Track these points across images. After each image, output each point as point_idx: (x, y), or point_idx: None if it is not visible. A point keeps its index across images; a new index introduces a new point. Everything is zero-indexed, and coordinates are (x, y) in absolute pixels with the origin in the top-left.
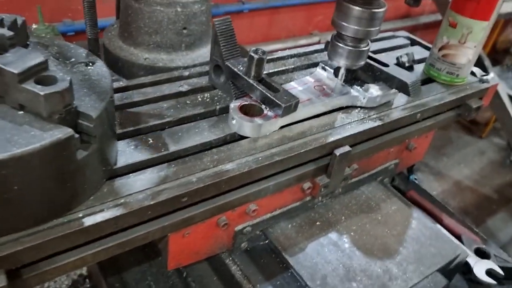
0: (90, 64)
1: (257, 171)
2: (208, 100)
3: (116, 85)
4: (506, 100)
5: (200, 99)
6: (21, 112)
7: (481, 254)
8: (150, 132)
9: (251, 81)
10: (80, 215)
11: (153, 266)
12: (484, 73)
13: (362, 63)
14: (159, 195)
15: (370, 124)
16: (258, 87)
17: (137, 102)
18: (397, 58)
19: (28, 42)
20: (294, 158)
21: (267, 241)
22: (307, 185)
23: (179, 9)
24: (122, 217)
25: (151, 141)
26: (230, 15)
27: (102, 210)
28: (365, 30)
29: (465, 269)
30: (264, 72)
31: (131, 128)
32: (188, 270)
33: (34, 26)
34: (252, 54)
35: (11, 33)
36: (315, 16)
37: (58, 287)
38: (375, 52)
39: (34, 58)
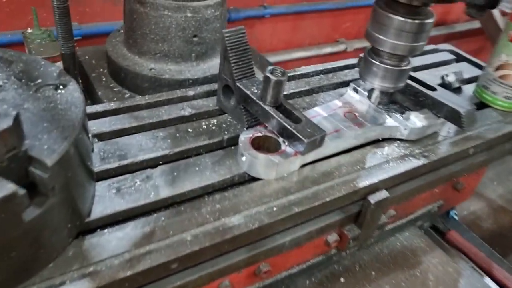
0: (61, 87)
1: (270, 226)
2: (214, 128)
3: (105, 107)
4: None
5: (204, 126)
6: None
7: None
8: (139, 170)
9: (266, 108)
10: None
11: None
12: None
13: (402, 85)
14: (140, 262)
15: (412, 163)
16: (275, 116)
17: (128, 129)
18: (442, 78)
19: None
20: (318, 208)
21: None
22: (332, 237)
23: (189, 14)
24: None
25: (138, 182)
26: (251, 20)
27: (62, 283)
28: (408, 45)
29: None
30: (284, 93)
31: (115, 165)
32: None
33: (29, 30)
34: (269, 75)
35: None
36: (342, 22)
37: None
38: (415, 69)
39: None
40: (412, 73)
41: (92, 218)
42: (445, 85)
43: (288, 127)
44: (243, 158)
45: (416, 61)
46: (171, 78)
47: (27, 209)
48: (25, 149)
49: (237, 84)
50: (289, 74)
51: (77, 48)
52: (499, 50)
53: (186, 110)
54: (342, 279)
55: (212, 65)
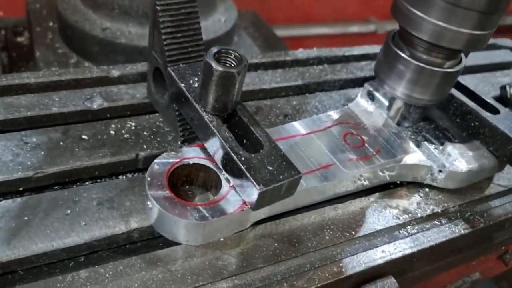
0: None
1: None
2: (128, 136)
3: None
4: None
5: (113, 132)
6: None
7: None
8: None
9: (206, 117)
10: None
11: None
12: None
13: (442, 98)
14: None
15: (447, 232)
16: (217, 133)
17: None
18: (503, 88)
19: None
20: None
21: None
22: None
23: None
24: None
25: None
26: None
27: None
28: (465, 32)
29: None
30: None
31: None
32: None
33: None
34: (211, 62)
35: None
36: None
37: None
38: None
39: None
40: (463, 81)
41: None
42: (506, 99)
43: (235, 158)
44: (149, 204)
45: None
46: (129, 43)
47: None
48: None
49: (169, 69)
50: (278, 59)
51: None
52: None
53: (95, 101)
54: None
55: None
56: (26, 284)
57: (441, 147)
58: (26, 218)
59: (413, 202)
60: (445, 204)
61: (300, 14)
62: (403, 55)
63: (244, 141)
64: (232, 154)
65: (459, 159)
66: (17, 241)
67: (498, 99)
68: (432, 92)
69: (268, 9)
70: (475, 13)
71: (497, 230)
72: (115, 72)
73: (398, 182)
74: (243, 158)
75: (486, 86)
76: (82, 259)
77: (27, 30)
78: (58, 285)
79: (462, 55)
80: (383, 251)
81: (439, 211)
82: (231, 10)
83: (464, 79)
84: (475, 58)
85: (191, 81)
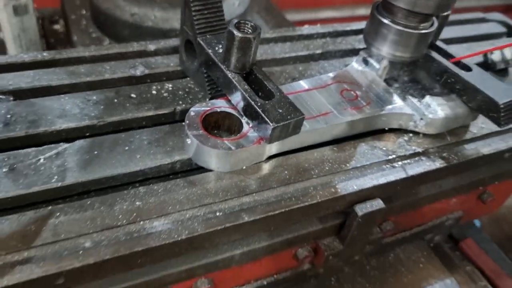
0: None
1: (205, 238)
2: (166, 94)
3: (34, 57)
4: None
5: (154, 92)
6: None
7: None
8: (50, 143)
9: (229, 75)
10: None
11: None
12: None
13: (419, 55)
14: (10, 273)
15: (425, 166)
16: (239, 86)
17: (54, 88)
18: (485, 56)
19: None
20: (280, 217)
21: None
22: (304, 251)
23: None
24: None
25: (42, 160)
26: None
27: None
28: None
29: None
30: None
31: (21, 133)
32: None
33: None
34: (233, 30)
35: None
36: None
37: None
38: (450, 41)
39: None
40: (442, 45)
41: None
42: (487, 64)
43: (253, 103)
44: (189, 141)
45: (454, 31)
46: (155, 26)
47: None
48: None
49: (199, 39)
50: (287, 34)
51: None
52: None
53: (138, 68)
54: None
55: None
56: (99, 197)
57: (423, 100)
58: (95, 152)
59: (399, 144)
60: (426, 146)
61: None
62: (385, 21)
63: (259, 93)
64: (251, 101)
65: (437, 108)
66: (91, 168)
67: (482, 64)
68: (411, 50)
69: None
70: None
71: (469, 168)
72: (152, 47)
73: (386, 128)
74: (259, 104)
75: (471, 53)
76: (138, 184)
77: (62, 18)
78: (123, 196)
79: (434, 18)
80: (371, 178)
81: (420, 151)
82: None
83: (451, 48)
84: (464, 30)
85: (216, 48)
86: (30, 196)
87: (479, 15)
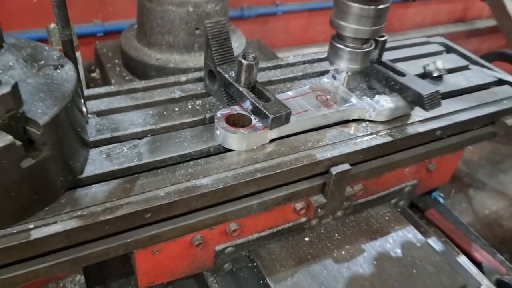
0: (59, 67)
1: (233, 188)
2: (198, 107)
3: (106, 89)
4: None
5: (190, 106)
6: None
7: (503, 285)
8: (127, 140)
9: (240, 89)
10: (30, 226)
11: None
12: None
13: (365, 66)
14: (119, 210)
15: (376, 140)
16: (247, 96)
17: (124, 108)
18: (424, 67)
19: (3, 44)
20: (280, 176)
21: (253, 264)
22: (300, 205)
23: (191, 9)
24: (75, 231)
25: (125, 150)
26: (264, 17)
27: (54, 223)
28: (367, 29)
29: None
30: (269, 80)
31: (108, 136)
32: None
33: (52, 25)
34: (241, 60)
35: None
36: None
37: None
38: (402, 59)
39: None
40: (387, 61)
41: (83, 176)
42: (426, 74)
43: (257, 104)
44: (218, 132)
45: (405, 52)
46: (175, 67)
47: (25, 159)
48: (22, 111)
49: (218, 68)
50: (277, 63)
51: (97, 42)
52: None
53: (176, 93)
54: (306, 239)
55: None
56: (164, 168)
57: (374, 98)
58: (158, 144)
59: (359, 129)
60: (378, 129)
61: (294, 39)
62: (340, 46)
63: (261, 99)
64: (256, 104)
65: (384, 103)
66: (156, 153)
67: (422, 75)
68: (359, 63)
69: (270, 37)
70: (371, 18)
71: (412, 143)
72: (183, 78)
73: (350, 119)
74: (261, 104)
75: (415, 67)
76: (187, 162)
77: (97, 68)
78: (180, 167)
79: (372, 40)
80: (340, 150)
81: (374, 132)
82: (241, 38)
83: (397, 64)
84: (412, 51)
85: (230, 73)
86: (122, 170)
87: (424, 39)
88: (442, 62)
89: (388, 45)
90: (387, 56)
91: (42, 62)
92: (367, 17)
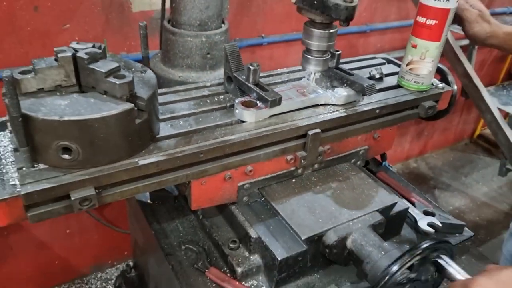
0: (144, 72)
1: (250, 141)
2: (222, 100)
3: (160, 91)
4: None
5: (216, 99)
6: (105, 96)
7: (428, 213)
8: (181, 117)
9: (249, 85)
10: (136, 159)
11: (181, 217)
12: (440, 83)
13: (326, 68)
14: (184, 151)
15: (336, 115)
16: (254, 89)
17: (173, 101)
18: (369, 72)
19: (108, 58)
20: (276, 135)
21: (263, 199)
22: (290, 157)
23: (204, 39)
24: (161, 162)
25: (181, 123)
26: (252, 47)
27: (149, 157)
28: (324, 44)
29: (414, 223)
30: (262, 80)
31: (169, 115)
32: (203, 213)
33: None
34: (249, 66)
35: (100, 51)
36: None
37: (109, 277)
38: (355, 68)
39: (112, 65)
40: (344, 67)
41: (160, 135)
42: (371, 77)
43: (260, 93)
44: (237, 111)
45: (358, 64)
46: (193, 81)
47: (137, 118)
48: (135, 92)
49: (234, 74)
50: (269, 73)
51: None
52: (407, 53)
53: (205, 92)
54: (294, 180)
55: (220, 73)
56: (207, 134)
57: (334, 90)
58: (200, 119)
59: (326, 108)
60: (337, 109)
61: (278, 65)
62: (308, 56)
63: (262, 91)
64: (260, 93)
65: (341, 92)
66: (199, 124)
67: (369, 77)
68: (320, 67)
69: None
70: (326, 38)
71: (360, 117)
72: (208, 84)
73: (319, 104)
74: (263, 93)
75: (363, 73)
76: (219, 128)
77: None
78: (214, 130)
79: (329, 52)
80: (313, 120)
81: (334, 110)
82: None
83: (355, 71)
84: (361, 63)
85: (243, 76)
86: (181, 133)
87: (372, 56)
88: (381, 68)
89: (347, 59)
90: (345, 66)
91: (133, 69)
92: (323, 37)
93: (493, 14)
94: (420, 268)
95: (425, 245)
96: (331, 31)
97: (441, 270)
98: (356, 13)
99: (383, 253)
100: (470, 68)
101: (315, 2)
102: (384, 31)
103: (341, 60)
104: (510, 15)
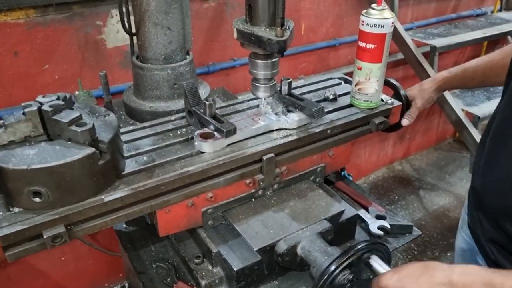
0: (107, 115)
1: (208, 170)
2: (184, 133)
3: (126, 129)
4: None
5: (179, 133)
6: (70, 142)
7: (380, 217)
8: (145, 153)
9: (207, 118)
10: (102, 196)
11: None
12: (390, 99)
13: (273, 93)
14: (147, 185)
15: (288, 139)
16: (211, 121)
17: (139, 138)
18: (324, 93)
19: (73, 107)
20: (234, 163)
21: (226, 221)
22: (248, 180)
23: (169, 71)
24: (125, 197)
25: (145, 158)
26: (225, 70)
27: (115, 193)
28: (268, 73)
29: (366, 226)
30: (223, 109)
31: (134, 152)
32: (174, 234)
33: (76, 92)
34: (205, 102)
35: (63, 103)
36: (299, 63)
37: None
38: (312, 91)
39: (74, 114)
40: (295, 93)
41: (125, 172)
42: (325, 98)
43: (217, 125)
44: (196, 143)
45: (315, 86)
46: (163, 110)
47: (99, 160)
48: (96, 136)
49: (193, 108)
50: (229, 103)
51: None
52: (354, 75)
53: (169, 126)
54: (254, 200)
55: None
56: (168, 167)
57: (287, 115)
58: (163, 153)
59: (280, 133)
60: (290, 133)
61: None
62: (256, 84)
63: (219, 123)
64: (217, 125)
65: (293, 117)
66: (161, 158)
67: (323, 99)
68: (268, 93)
69: (232, 85)
70: (269, 67)
71: (312, 139)
72: (172, 118)
73: (274, 129)
74: (219, 125)
75: (320, 94)
76: (179, 161)
77: None
78: (177, 165)
79: (274, 78)
80: (267, 145)
81: (288, 134)
82: (206, 88)
83: (305, 94)
84: (319, 85)
85: (201, 110)
86: (145, 168)
87: (329, 76)
88: (334, 90)
89: (305, 83)
90: (304, 89)
91: (97, 114)
92: (267, 66)
93: (459, 18)
94: (355, 269)
95: (358, 246)
96: (273, 60)
97: (373, 270)
98: (323, 29)
99: (326, 257)
100: (432, 73)
101: (252, 38)
102: (353, 44)
103: (302, 82)
104: (475, 18)
